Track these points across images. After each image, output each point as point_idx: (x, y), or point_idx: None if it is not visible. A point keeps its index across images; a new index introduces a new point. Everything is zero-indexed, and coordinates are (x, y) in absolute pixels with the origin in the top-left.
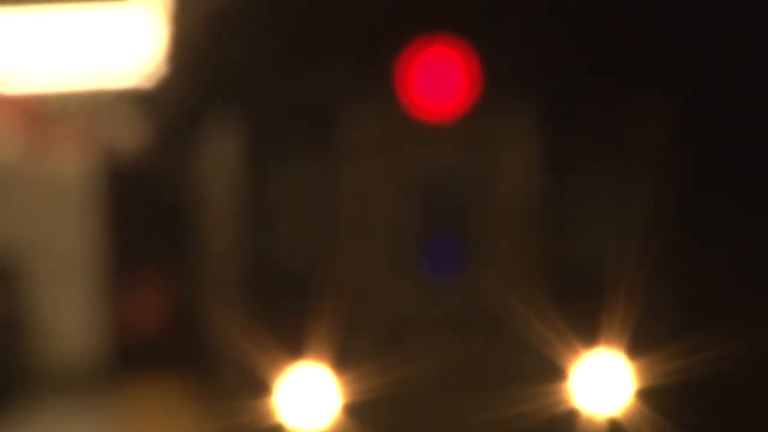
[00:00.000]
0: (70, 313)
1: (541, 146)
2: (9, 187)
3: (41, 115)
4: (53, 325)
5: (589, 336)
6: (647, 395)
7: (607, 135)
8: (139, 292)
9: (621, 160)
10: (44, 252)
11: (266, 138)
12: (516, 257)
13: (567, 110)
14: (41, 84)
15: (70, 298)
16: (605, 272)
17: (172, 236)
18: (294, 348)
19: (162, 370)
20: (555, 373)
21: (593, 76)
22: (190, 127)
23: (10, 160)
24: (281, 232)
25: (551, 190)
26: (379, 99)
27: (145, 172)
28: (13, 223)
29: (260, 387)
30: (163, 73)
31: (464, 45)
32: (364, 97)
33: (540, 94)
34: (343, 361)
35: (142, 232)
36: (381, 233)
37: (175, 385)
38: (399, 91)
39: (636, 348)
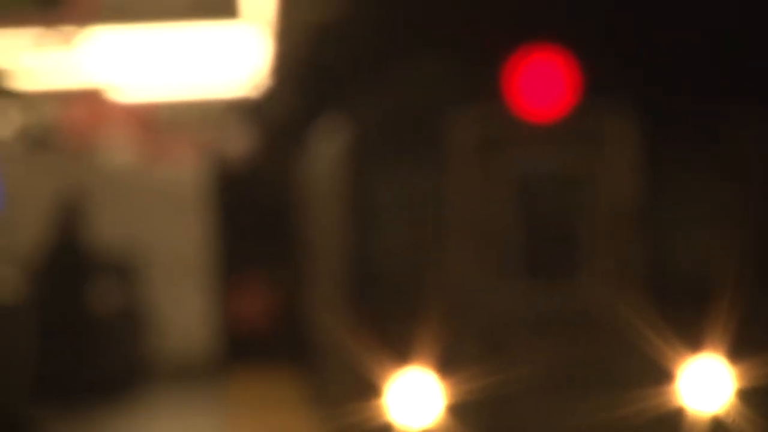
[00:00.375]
0: (184, 308)
1: (642, 149)
2: (128, 190)
3: (157, 123)
4: (169, 320)
5: (693, 339)
6: (748, 396)
7: (708, 140)
8: (249, 290)
9: (722, 164)
10: (161, 251)
11: (373, 142)
12: (619, 259)
13: (666, 115)
14: (157, 95)
15: (184, 295)
16: (707, 276)
17: (280, 238)
18: (400, 350)
19: (269, 363)
20: (661, 375)
21: (693, 82)
22: (296, 133)
23: (128, 166)
24: (387, 235)
25: (652, 193)
26: (486, 102)
27: (254, 177)
28: (132, 224)
29: (368, 388)
30: (269, 84)
31: (566, 52)
32: (471, 100)
33: (640, 98)
34: (447, 363)
35: (251, 234)
36: (486, 235)
37: (282, 378)
38: (505, 94)
39: (737, 351)
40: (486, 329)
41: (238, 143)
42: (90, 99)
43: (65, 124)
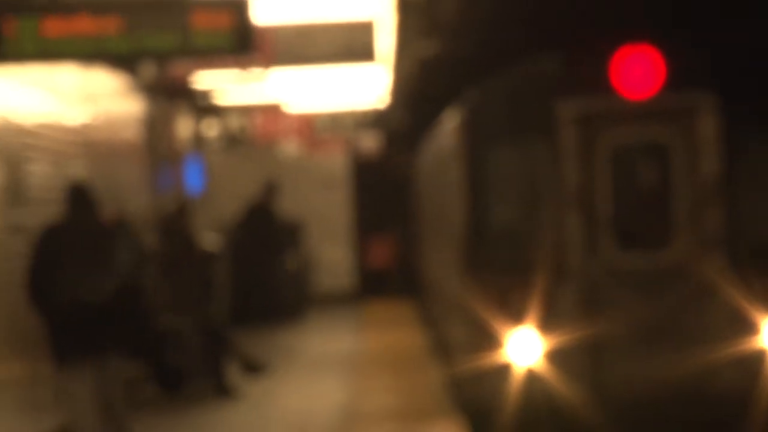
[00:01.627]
0: (335, 258)
1: (718, 126)
2: (298, 176)
3: (315, 128)
4: (325, 265)
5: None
6: None
7: None
8: (376, 246)
9: None
10: (319, 219)
11: (486, 119)
12: (704, 225)
13: (739, 97)
14: (316, 109)
15: (335, 248)
16: None
17: (397, 209)
18: (511, 309)
19: (388, 294)
20: (745, 326)
21: (761, 68)
22: (407, 137)
23: (296, 157)
24: (499, 203)
25: (731, 166)
26: (594, 85)
27: (379, 166)
28: (301, 200)
29: (489, 339)
30: (390, 103)
31: (654, 48)
32: (582, 85)
33: (715, 83)
34: (548, 319)
35: (378, 205)
36: (587, 202)
37: (396, 304)
38: (613, 79)
39: None
40: (583, 289)
41: (369, 142)
42: (271, 112)
43: (255, 129)
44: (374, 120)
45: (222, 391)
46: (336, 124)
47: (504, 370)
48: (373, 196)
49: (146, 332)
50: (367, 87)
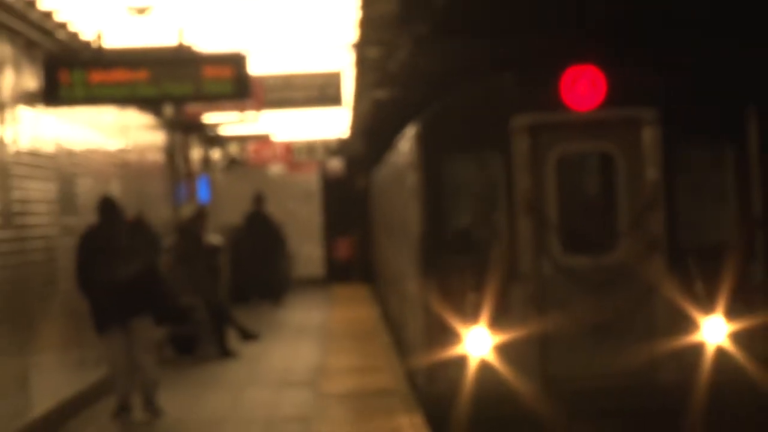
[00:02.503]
0: (309, 252)
1: (658, 137)
2: (281, 190)
3: (295, 153)
4: (302, 258)
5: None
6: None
7: (711, 134)
8: (339, 243)
9: (722, 154)
10: (297, 223)
11: (439, 130)
12: (646, 229)
13: (674, 111)
14: (296, 138)
15: (309, 245)
16: (716, 246)
17: (355, 216)
18: (465, 309)
19: (348, 281)
20: (685, 323)
21: (696, 81)
22: (363, 161)
23: (281, 175)
24: (454, 210)
25: (669, 175)
26: (543, 99)
27: (342, 183)
28: (284, 209)
29: (447, 333)
30: (350, 134)
31: (596, 68)
32: (537, 100)
33: (656, 98)
34: (499, 318)
35: (341, 214)
36: (536, 209)
37: (354, 287)
38: (561, 95)
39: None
40: (533, 289)
41: (335, 165)
42: (262, 141)
43: (249, 154)
44: (339, 148)
45: (224, 353)
46: (310, 150)
47: (460, 362)
48: (338, 206)
49: (166, 306)
50: (334, 123)
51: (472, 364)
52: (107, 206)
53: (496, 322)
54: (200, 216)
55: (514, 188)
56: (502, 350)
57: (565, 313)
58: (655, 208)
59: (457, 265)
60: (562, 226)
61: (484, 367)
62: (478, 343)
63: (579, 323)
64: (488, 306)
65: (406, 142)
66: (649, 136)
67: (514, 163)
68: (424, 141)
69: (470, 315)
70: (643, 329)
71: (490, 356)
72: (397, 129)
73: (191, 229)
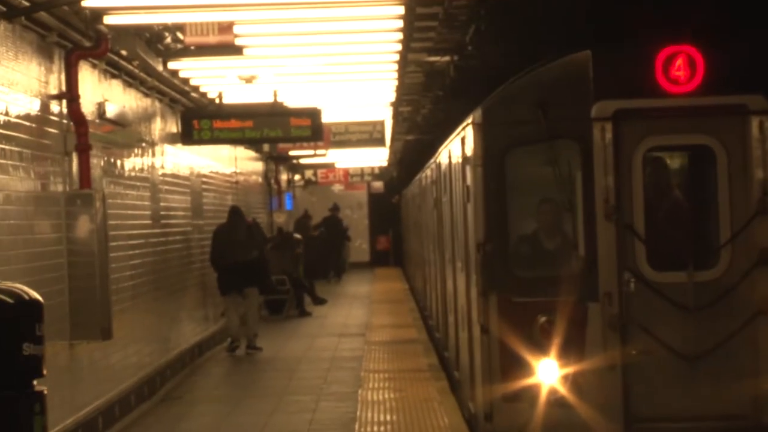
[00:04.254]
0: (360, 245)
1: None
2: (342, 202)
3: (351, 177)
4: (356, 248)
5: None
6: None
7: None
8: (380, 239)
9: None
10: (353, 224)
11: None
12: (753, 239)
13: None
14: (352, 166)
15: (361, 240)
16: None
17: (391, 220)
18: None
19: (387, 265)
20: None
21: None
22: (399, 183)
23: (341, 193)
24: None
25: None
26: (637, 84)
27: (382, 197)
28: (343, 216)
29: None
30: (389, 164)
31: (695, 47)
32: (623, 84)
33: (762, 84)
34: (573, 344)
35: (382, 219)
36: (629, 212)
37: (391, 270)
38: (653, 78)
39: None
40: (616, 314)
41: (378, 185)
42: (329, 168)
43: (320, 177)
44: (380, 173)
45: (302, 313)
46: (361, 175)
47: (527, 399)
48: (379, 213)
49: (267, 281)
50: (377, 156)
51: (542, 402)
52: (235, 212)
53: (571, 352)
54: (306, 216)
55: (593, 189)
56: (578, 385)
57: (654, 341)
58: (763, 215)
59: (525, 282)
60: (650, 236)
61: (556, 405)
62: (548, 376)
63: (669, 353)
64: (561, 332)
65: (460, 138)
66: (756, 128)
67: (593, 159)
68: (485, 131)
69: (540, 343)
70: (747, 361)
71: (563, 392)
72: (420, 162)
73: (299, 224)
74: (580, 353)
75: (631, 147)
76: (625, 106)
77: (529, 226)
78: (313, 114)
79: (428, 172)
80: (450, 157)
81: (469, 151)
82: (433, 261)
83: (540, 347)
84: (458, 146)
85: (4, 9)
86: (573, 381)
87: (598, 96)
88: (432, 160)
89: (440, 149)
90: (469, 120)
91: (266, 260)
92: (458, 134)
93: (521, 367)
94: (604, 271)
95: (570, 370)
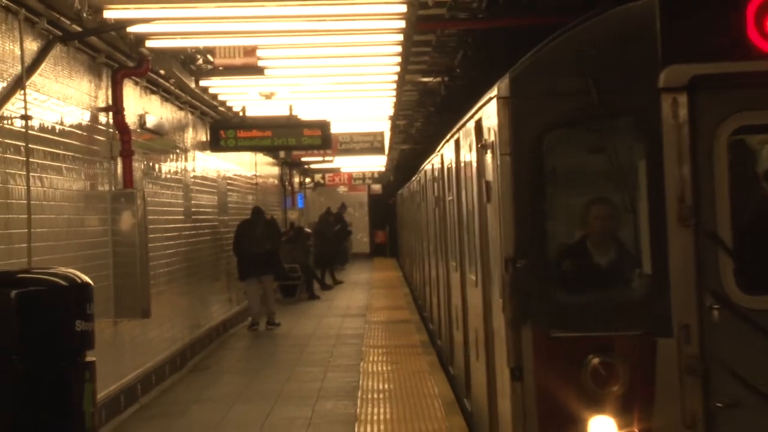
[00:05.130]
0: (361, 238)
1: None
2: (346, 201)
3: (354, 180)
4: (357, 241)
5: None
6: None
7: None
8: (378, 233)
9: None
10: (356, 221)
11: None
12: None
13: None
14: (355, 171)
15: (362, 234)
16: None
17: (388, 217)
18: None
19: (384, 255)
20: None
21: None
22: (394, 186)
23: (346, 194)
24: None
25: None
26: (717, 43)
27: (381, 198)
28: (347, 214)
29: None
30: (387, 169)
31: None
32: (703, 42)
33: None
34: (636, 394)
35: (380, 215)
36: (711, 214)
37: (387, 259)
38: (741, 35)
39: None
40: (694, 353)
41: (376, 187)
42: (333, 171)
43: (327, 180)
44: (379, 177)
45: (312, 297)
46: (363, 178)
47: None
48: (377, 212)
49: (282, 269)
50: (377, 163)
51: None
52: (257, 210)
53: (635, 406)
54: (329, 213)
55: (662, 184)
56: None
57: (746, 390)
58: None
59: (570, 311)
60: (740, 247)
61: None
62: None
63: (766, 399)
64: (621, 378)
65: (474, 121)
66: None
67: (662, 143)
68: (515, 108)
69: (592, 393)
70: None
71: None
72: (413, 168)
73: (323, 220)
74: (647, 407)
75: (714, 127)
76: (704, 72)
77: (575, 235)
78: (323, 126)
79: (426, 170)
80: (458, 148)
81: (489, 136)
82: (435, 267)
83: (592, 400)
84: (470, 133)
85: (60, 34)
86: None
87: (667, 59)
88: (429, 159)
89: (443, 142)
90: (491, 94)
91: (279, 250)
92: (471, 117)
93: (566, 428)
94: (679, 294)
95: (634, 430)
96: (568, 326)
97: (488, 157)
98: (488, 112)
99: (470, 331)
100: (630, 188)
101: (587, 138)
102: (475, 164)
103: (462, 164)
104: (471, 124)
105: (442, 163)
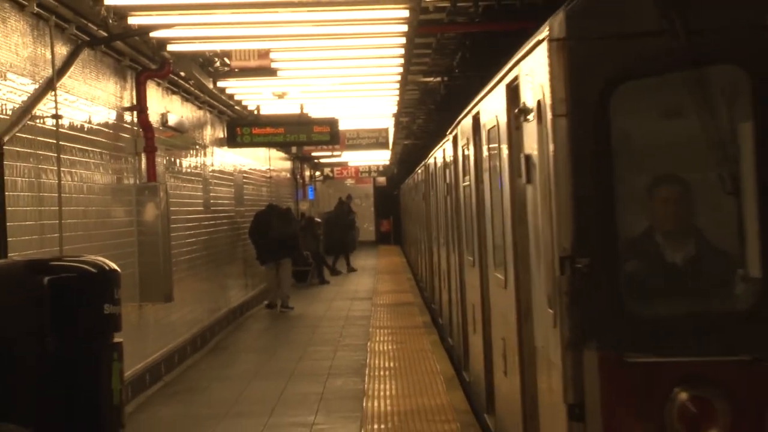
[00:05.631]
0: (367, 227)
1: None
2: (353, 193)
3: (360, 173)
4: (364, 229)
5: None
6: None
7: None
8: (383, 222)
9: None
10: (362, 211)
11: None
12: None
13: None
14: (362, 164)
15: (368, 223)
16: None
17: (392, 207)
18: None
19: (388, 243)
20: None
21: None
22: (399, 178)
23: (353, 186)
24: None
25: None
26: None
27: (385, 189)
28: (354, 204)
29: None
30: (391, 162)
31: None
32: None
33: None
34: None
35: (385, 206)
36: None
37: (392, 247)
38: None
39: None
40: None
41: (382, 179)
42: (341, 165)
43: (336, 173)
44: (384, 170)
45: (322, 282)
46: (369, 171)
47: None
48: (382, 202)
49: (300, 255)
50: (382, 157)
51: None
52: (271, 205)
53: None
54: (342, 203)
55: None
56: None
57: None
58: None
59: (648, 327)
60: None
61: None
62: None
63: None
64: (720, 418)
65: (505, 84)
66: None
67: None
68: (573, 53)
69: None
70: None
71: None
72: (415, 162)
73: (339, 209)
74: None
75: None
76: None
77: (653, 225)
78: (332, 123)
79: (436, 156)
80: (477, 124)
81: (532, 97)
82: (446, 260)
83: None
84: (500, 97)
85: (88, 39)
86: None
87: None
88: (440, 145)
89: (456, 122)
90: (539, 37)
91: (294, 237)
92: (500, 80)
93: None
94: None
95: None
96: (647, 348)
97: (529, 124)
98: (531, 65)
99: (495, 339)
100: (732, 162)
101: (671, 94)
102: (505, 138)
103: (484, 141)
104: (499, 90)
105: (456, 145)
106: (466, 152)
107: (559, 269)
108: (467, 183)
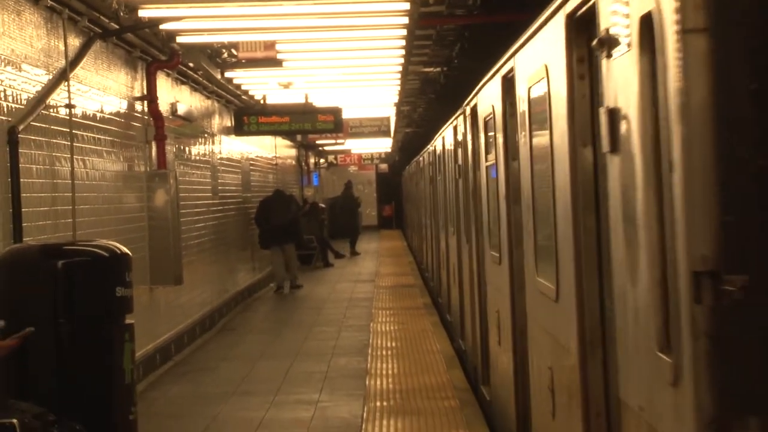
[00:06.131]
0: (369, 212)
1: None
2: (356, 179)
3: (363, 160)
4: (366, 214)
5: None
6: None
7: None
8: (385, 207)
9: None
10: (365, 196)
11: None
12: None
13: None
14: (364, 152)
15: (371, 208)
16: None
17: (394, 193)
18: None
19: (390, 228)
20: None
21: None
22: (400, 164)
23: (355, 172)
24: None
25: None
26: None
27: (387, 175)
28: (357, 190)
29: None
30: (393, 149)
31: None
32: None
33: None
34: None
35: (386, 191)
36: None
37: (393, 231)
38: None
39: None
40: None
41: (383, 166)
42: (344, 153)
43: (340, 160)
44: (386, 158)
45: (327, 265)
46: (371, 159)
47: None
48: (384, 188)
49: (301, 239)
50: (384, 145)
51: None
52: (278, 191)
53: None
54: (348, 187)
55: None
56: None
57: None
58: None
59: None
60: None
61: None
62: None
63: None
64: None
65: (569, 11)
66: None
67: None
68: None
69: None
70: None
71: None
72: (416, 149)
73: (345, 194)
74: None
75: None
76: None
77: None
78: (336, 112)
79: (444, 136)
80: (508, 86)
81: (635, 8)
82: (457, 254)
83: None
84: (554, 36)
85: (100, 31)
86: None
87: None
88: (449, 123)
89: (474, 92)
90: None
91: (299, 222)
92: (559, 8)
93: None
94: None
95: None
96: None
97: (614, 62)
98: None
99: (535, 364)
100: None
101: None
102: (563, 90)
103: (519, 105)
104: (554, 25)
105: (474, 118)
106: (490, 125)
107: (693, 293)
108: (490, 163)
